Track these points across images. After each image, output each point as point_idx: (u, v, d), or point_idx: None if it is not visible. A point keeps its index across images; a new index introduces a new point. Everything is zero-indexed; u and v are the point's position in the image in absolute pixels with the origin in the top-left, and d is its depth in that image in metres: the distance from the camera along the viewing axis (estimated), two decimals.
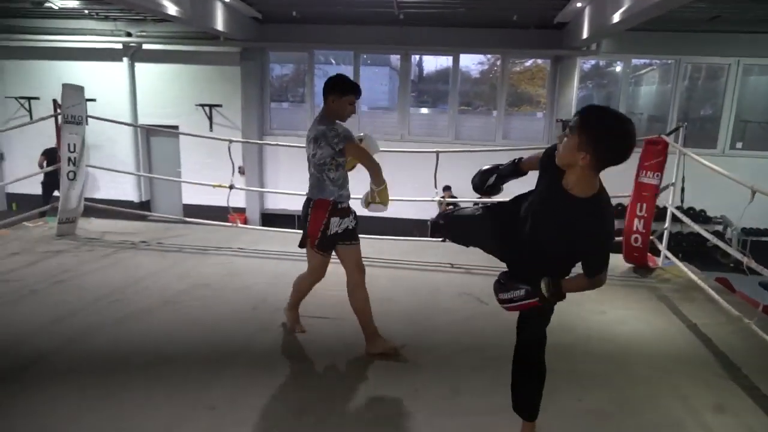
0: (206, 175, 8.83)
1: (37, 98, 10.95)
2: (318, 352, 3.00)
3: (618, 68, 10.39)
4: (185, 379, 2.64)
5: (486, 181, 2.25)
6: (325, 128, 2.77)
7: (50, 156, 9.70)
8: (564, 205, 1.76)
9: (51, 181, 9.62)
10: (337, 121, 2.86)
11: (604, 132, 1.61)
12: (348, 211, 2.89)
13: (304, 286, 3.10)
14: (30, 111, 11.04)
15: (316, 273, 2.99)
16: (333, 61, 11.58)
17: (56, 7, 9.36)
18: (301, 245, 2.95)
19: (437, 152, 5.12)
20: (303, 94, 10.85)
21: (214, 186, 5.40)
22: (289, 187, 9.32)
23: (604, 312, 3.77)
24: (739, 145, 9.87)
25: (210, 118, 10.58)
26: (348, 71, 10.67)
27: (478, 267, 4.65)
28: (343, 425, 2.34)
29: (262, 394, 2.51)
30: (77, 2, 9.25)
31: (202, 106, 10.55)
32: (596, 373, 2.90)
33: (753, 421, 2.48)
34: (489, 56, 11.05)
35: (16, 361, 2.73)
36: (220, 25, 8.55)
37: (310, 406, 2.46)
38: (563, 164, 1.72)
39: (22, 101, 11.07)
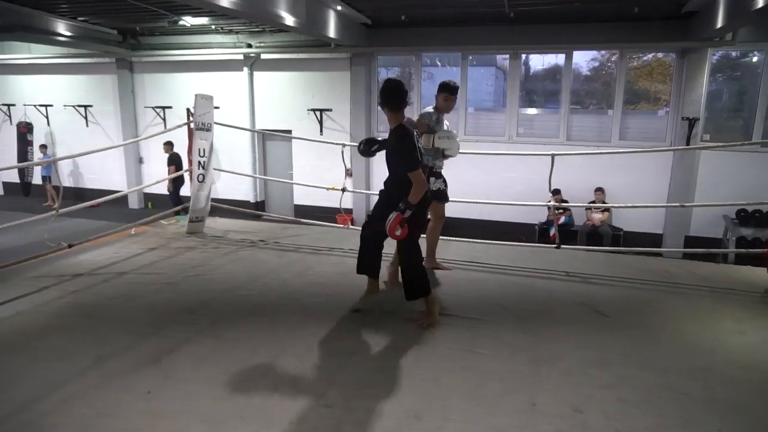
0: (316, 177, 9.24)
1: (170, 107, 12.08)
2: (442, 354, 2.99)
3: (755, 59, 9.33)
4: (305, 377, 2.75)
5: (371, 147, 3.64)
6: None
7: (176, 162, 10.71)
8: (390, 137, 3.43)
9: (179, 184, 10.60)
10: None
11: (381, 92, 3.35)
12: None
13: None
14: (164, 119, 12.21)
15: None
16: (439, 63, 11.56)
17: (188, 25, 10.26)
18: None
19: (552, 155, 4.89)
20: (410, 98, 10.93)
21: (328, 189, 5.60)
22: None
23: (744, 332, 3.39)
24: None
25: (320, 122, 11.03)
26: (455, 73, 10.60)
27: (596, 276, 4.40)
28: None
29: (377, 395, 2.55)
30: (206, 19, 10.07)
31: (314, 110, 11.02)
32: (736, 402, 2.60)
33: None
34: (603, 52, 10.43)
35: (160, 348, 3.02)
36: (332, 32, 8.88)
37: (425, 409, 2.45)
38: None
39: (158, 110, 12.27)
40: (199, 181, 5.42)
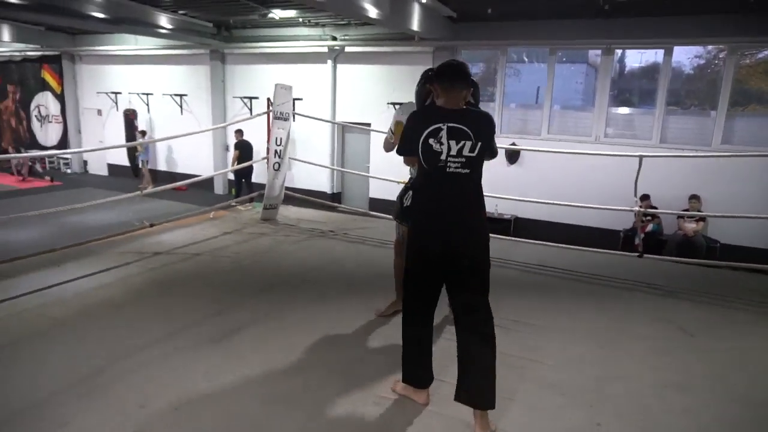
0: (392, 171, 9.21)
1: (256, 98, 12.55)
2: (502, 360, 2.85)
3: None
4: (359, 368, 2.71)
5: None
6: None
7: (242, 149, 11.28)
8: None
9: (244, 172, 11.18)
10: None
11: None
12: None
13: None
14: (251, 109, 12.71)
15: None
16: (526, 59, 11.14)
17: (277, 18, 10.58)
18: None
19: (640, 156, 4.53)
20: (492, 94, 10.65)
21: (399, 182, 5.54)
22: None
23: None
24: None
25: None
26: (542, 69, 10.17)
27: (683, 290, 4.02)
28: None
29: (431, 393, 2.46)
30: (294, 12, 10.33)
31: (393, 104, 11.01)
32: None
33: None
34: (709, 48, 9.56)
35: (224, 328, 3.10)
36: (415, 25, 8.79)
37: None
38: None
39: (245, 100, 12.79)
40: (274, 170, 5.56)
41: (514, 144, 9.39)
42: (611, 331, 3.29)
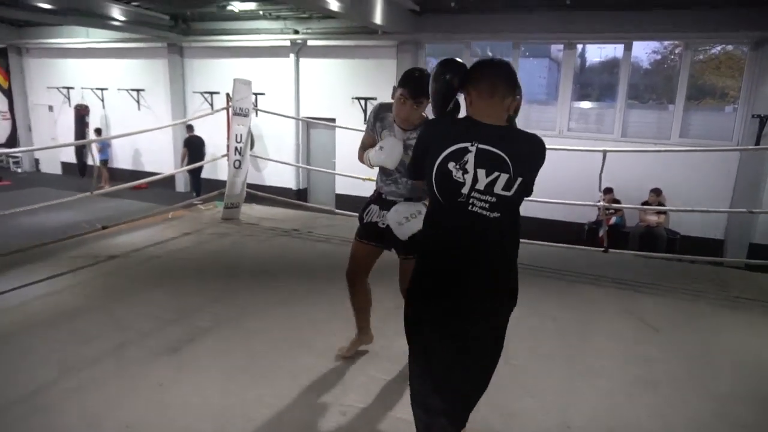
0: (359, 167, 9.07)
1: (217, 93, 12.20)
2: None
3: None
4: (323, 379, 2.61)
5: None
6: None
7: (190, 146, 11.07)
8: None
9: (195, 170, 10.99)
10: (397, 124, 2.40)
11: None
12: (388, 204, 2.47)
13: None
14: (212, 104, 12.36)
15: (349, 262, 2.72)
16: (490, 53, 11.17)
17: (237, 10, 10.29)
18: None
19: (604, 151, 4.56)
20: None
21: (363, 179, 5.44)
22: None
23: None
24: None
25: (365, 110, 10.87)
26: None
27: (646, 284, 4.06)
28: None
29: (393, 402, 2.38)
30: (254, 4, 10.05)
31: (358, 99, 10.88)
32: None
33: None
34: (666, 43, 9.78)
35: (180, 337, 2.95)
36: (378, 18, 8.67)
37: None
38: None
39: (206, 95, 12.43)
40: (235, 167, 5.37)
41: None
42: (578, 327, 3.28)
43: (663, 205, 8.26)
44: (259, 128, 11.23)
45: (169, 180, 13.06)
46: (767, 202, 8.26)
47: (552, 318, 3.39)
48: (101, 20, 10.31)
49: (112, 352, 2.76)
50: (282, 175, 11.77)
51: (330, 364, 2.72)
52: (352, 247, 2.61)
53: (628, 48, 9.30)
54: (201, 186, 11.20)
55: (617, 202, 8.17)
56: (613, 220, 8.58)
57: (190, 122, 11.16)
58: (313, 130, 11.90)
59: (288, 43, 11.29)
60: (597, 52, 10.60)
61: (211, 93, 12.37)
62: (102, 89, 13.83)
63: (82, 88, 14.05)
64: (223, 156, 5.65)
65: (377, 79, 10.75)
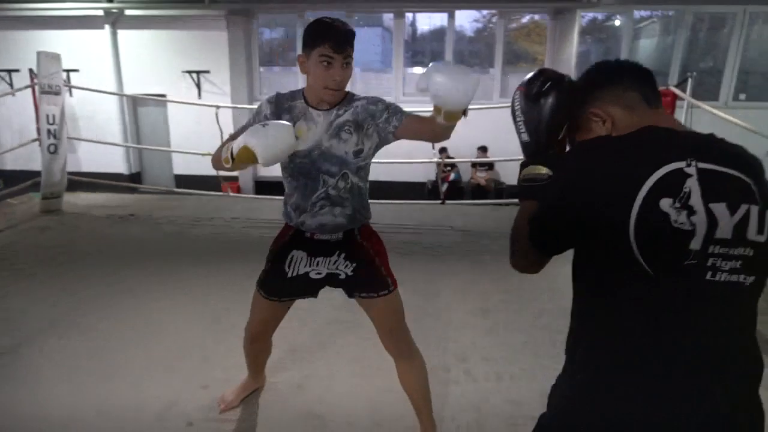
0: (196, 144, 8.64)
1: (17, 71, 10.57)
2: (324, 318, 2.87)
3: (617, 22, 10.02)
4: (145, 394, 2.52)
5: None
6: (365, 101, 1.71)
7: None
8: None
9: None
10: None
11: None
12: (322, 249, 1.78)
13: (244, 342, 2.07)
14: (11, 84, 10.68)
15: (250, 321, 1.97)
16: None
17: None
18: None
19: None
20: (295, 59, 10.50)
21: (203, 154, 5.19)
22: None
23: None
24: (742, 96, 9.61)
25: (198, 85, 10.25)
26: None
27: (479, 229, 4.51)
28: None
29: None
30: None
31: (189, 72, 10.20)
32: None
33: None
34: (485, 13, 10.67)
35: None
36: None
37: (307, 381, 2.33)
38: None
39: (3, 74, 10.69)
40: (50, 152, 4.77)
41: None
42: (424, 274, 3.56)
43: (490, 162, 9.13)
44: (76, 108, 10.01)
45: None
46: None
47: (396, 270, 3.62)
48: None
49: None
50: (109, 159, 10.68)
51: (182, 351, 2.63)
52: (258, 306, 1.89)
53: (452, 17, 9.95)
54: None
55: (451, 158, 8.85)
56: (451, 176, 9.28)
57: None
58: (142, 108, 10.93)
59: (101, 13, 10.11)
60: (426, 21, 11.17)
61: (10, 71, 10.67)
62: None
63: None
64: (34, 140, 4.98)
65: (208, 51, 10.19)
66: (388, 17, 10.63)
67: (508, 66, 10.34)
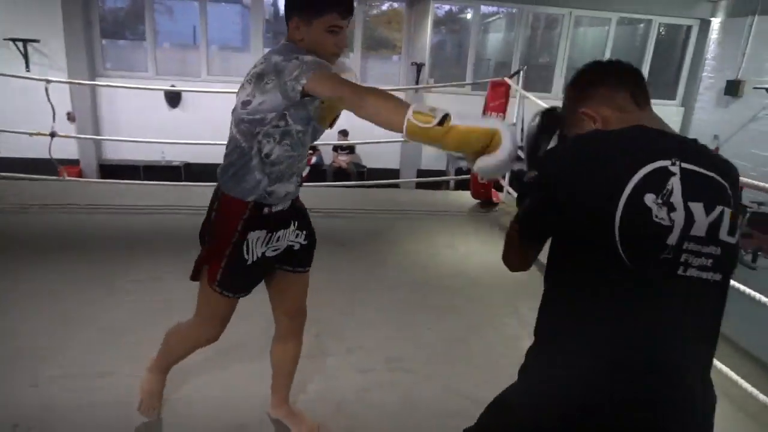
0: (25, 123, 7.69)
1: None
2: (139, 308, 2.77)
3: (469, 15, 10.74)
4: None
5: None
6: (281, 58, 1.42)
7: None
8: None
9: None
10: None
11: None
12: (280, 221, 1.64)
13: (179, 343, 1.80)
14: None
15: (207, 325, 1.70)
16: None
17: None
18: (194, 276, 1.65)
19: None
20: (143, 32, 9.69)
21: (31, 134, 4.64)
22: (131, 133, 8.42)
23: (453, 247, 3.99)
24: None
25: (25, 55, 9.03)
26: (193, 8, 9.70)
27: (336, 210, 4.64)
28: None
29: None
30: None
31: (13, 40, 8.95)
32: (445, 304, 3.08)
33: None
34: None
35: None
36: None
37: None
38: None
39: None
40: None
41: (173, 86, 8.88)
42: None
43: (351, 145, 9.35)
44: None
45: None
46: None
47: None
48: None
49: None
50: None
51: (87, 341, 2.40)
52: (216, 306, 1.63)
53: None
54: None
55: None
56: (313, 159, 9.34)
57: None
58: None
59: None
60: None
61: None
62: None
63: None
64: None
65: (38, 17, 9.02)
66: None
67: (370, 51, 10.61)
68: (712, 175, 0.95)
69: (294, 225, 1.69)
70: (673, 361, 0.93)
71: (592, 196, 0.93)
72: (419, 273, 3.46)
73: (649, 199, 0.90)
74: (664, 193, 0.91)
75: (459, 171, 9.34)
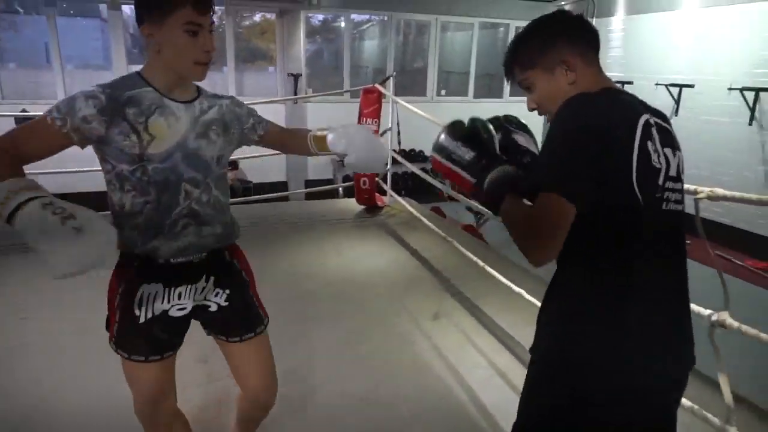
0: None
1: None
2: None
3: (342, 24, 10.92)
4: None
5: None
6: (229, 101, 1.50)
7: None
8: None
9: None
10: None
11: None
12: (182, 274, 1.38)
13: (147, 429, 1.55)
14: None
15: (139, 404, 1.47)
16: (20, 9, 9.43)
17: None
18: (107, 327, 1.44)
19: None
20: None
21: None
22: None
23: (341, 253, 4.06)
24: (443, 92, 11.47)
25: None
26: (41, 23, 8.86)
27: None
28: None
29: None
30: None
31: None
32: (330, 309, 3.13)
33: (460, 320, 3.01)
34: (217, 8, 10.46)
35: None
36: None
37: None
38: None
39: None
40: None
41: (24, 110, 8.06)
42: None
43: (234, 161, 9.11)
44: None
45: None
46: None
47: None
48: None
49: None
50: None
51: None
52: (132, 372, 1.39)
53: None
54: None
55: None
56: None
57: None
58: None
59: None
60: None
61: None
62: None
63: None
64: None
65: None
66: (104, 7, 9.59)
67: (245, 64, 10.39)
68: (667, 127, 1.12)
69: (208, 281, 1.41)
70: (667, 288, 1.11)
71: (615, 147, 1.01)
72: (308, 283, 3.48)
73: (650, 146, 1.05)
74: (653, 141, 1.06)
75: (346, 178, 9.46)
